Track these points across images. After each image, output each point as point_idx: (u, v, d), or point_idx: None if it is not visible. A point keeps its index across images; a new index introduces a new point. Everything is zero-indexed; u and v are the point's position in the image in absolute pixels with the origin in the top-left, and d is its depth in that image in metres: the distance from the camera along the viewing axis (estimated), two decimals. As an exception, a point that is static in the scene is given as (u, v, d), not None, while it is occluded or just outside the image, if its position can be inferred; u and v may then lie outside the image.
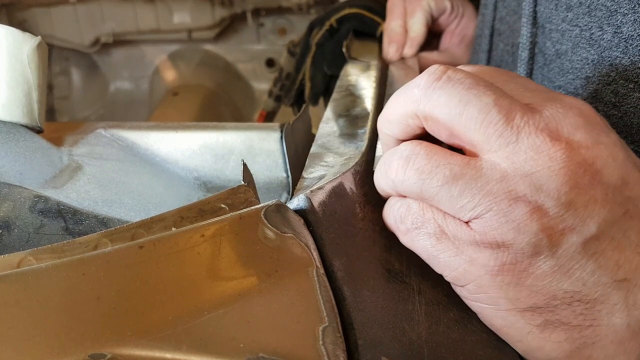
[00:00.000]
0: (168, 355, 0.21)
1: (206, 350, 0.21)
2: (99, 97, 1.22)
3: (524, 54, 0.43)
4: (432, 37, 0.65)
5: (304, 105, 0.46)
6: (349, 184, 0.31)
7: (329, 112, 0.42)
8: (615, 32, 0.34)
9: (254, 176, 0.31)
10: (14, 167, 0.34)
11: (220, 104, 1.20)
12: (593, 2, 0.36)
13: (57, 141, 0.38)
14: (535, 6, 0.42)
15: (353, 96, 0.45)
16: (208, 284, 0.23)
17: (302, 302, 0.23)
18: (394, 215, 0.28)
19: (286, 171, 0.40)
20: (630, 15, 0.33)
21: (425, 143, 0.27)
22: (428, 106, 0.26)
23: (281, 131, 0.40)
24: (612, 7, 0.34)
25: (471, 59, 0.61)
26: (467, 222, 0.25)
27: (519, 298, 0.25)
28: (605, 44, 0.35)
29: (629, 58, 0.34)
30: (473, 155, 0.26)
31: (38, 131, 0.37)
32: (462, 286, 0.27)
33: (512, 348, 0.28)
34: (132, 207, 0.35)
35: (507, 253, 0.25)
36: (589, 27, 0.36)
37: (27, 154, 0.35)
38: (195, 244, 0.24)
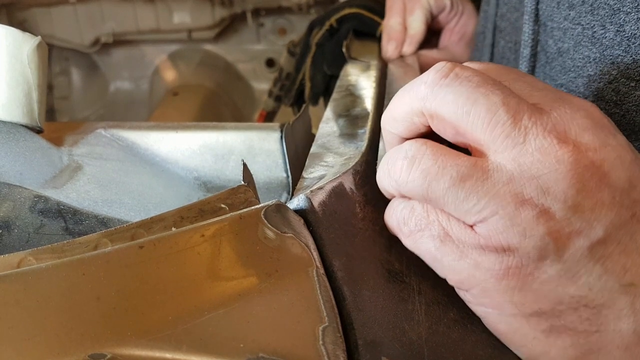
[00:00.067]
0: (168, 355, 0.21)
1: (206, 350, 0.21)
2: (99, 97, 1.22)
3: (525, 52, 0.43)
4: (431, 35, 0.64)
5: (304, 105, 0.46)
6: (349, 184, 0.30)
7: (329, 112, 0.42)
8: (617, 31, 0.34)
9: (254, 176, 0.31)
10: (14, 167, 0.34)
11: (220, 104, 1.20)
12: (596, 1, 0.35)
13: (57, 141, 0.38)
14: (537, 4, 0.42)
15: (353, 96, 0.45)
16: (208, 284, 0.23)
17: (302, 302, 0.23)
18: (396, 217, 0.28)
19: (286, 171, 0.40)
20: (633, 13, 0.33)
21: (431, 142, 0.26)
22: (434, 104, 0.26)
23: (281, 131, 0.40)
24: (615, 5, 0.34)
25: (473, 56, 0.61)
26: (471, 226, 0.25)
27: (524, 303, 0.25)
28: (607, 43, 0.35)
29: (631, 56, 0.34)
30: (479, 154, 0.25)
31: (38, 131, 0.37)
32: (466, 290, 0.26)
33: (512, 348, 0.28)
34: (132, 207, 0.35)
35: (512, 257, 0.24)
36: (591, 25, 0.36)
37: (27, 154, 0.35)
38: (195, 244, 0.24)
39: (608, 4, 0.35)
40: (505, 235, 0.24)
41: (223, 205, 0.27)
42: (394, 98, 0.28)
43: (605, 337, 0.25)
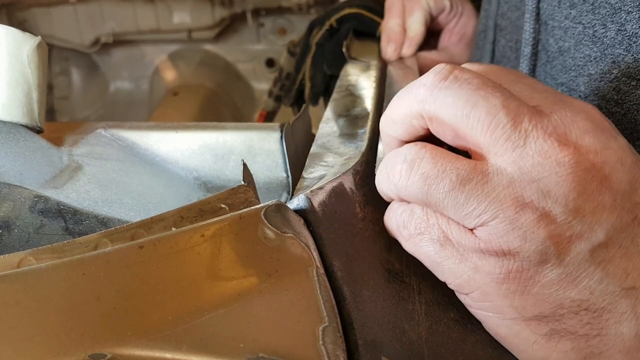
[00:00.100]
0: (168, 355, 0.21)
1: (206, 350, 0.21)
2: (99, 97, 1.22)
3: (526, 50, 0.43)
4: (431, 36, 0.64)
5: (304, 105, 0.46)
6: (349, 184, 0.30)
7: (329, 112, 0.42)
8: (618, 30, 0.34)
9: (254, 176, 0.31)
10: (14, 167, 0.34)
11: (220, 104, 1.20)
12: (597, 0, 0.35)
13: (57, 141, 0.38)
14: (539, 3, 0.42)
15: (353, 96, 0.45)
16: (208, 284, 0.23)
17: (302, 302, 0.23)
18: (396, 220, 0.28)
19: (286, 171, 0.40)
20: (634, 13, 0.33)
21: (430, 146, 0.26)
22: (434, 106, 0.26)
23: (281, 131, 0.40)
24: (617, 4, 0.34)
25: (474, 54, 0.61)
26: (471, 230, 0.25)
27: (525, 307, 0.25)
28: (608, 42, 0.35)
29: (632, 55, 0.34)
30: (479, 157, 0.25)
31: (38, 131, 0.37)
32: (466, 294, 0.26)
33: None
34: (132, 207, 0.35)
35: (513, 261, 0.24)
36: (592, 24, 0.36)
37: (27, 154, 0.35)
38: (195, 244, 0.24)
39: (609, 3, 0.35)
40: (505, 239, 0.24)
41: (223, 205, 0.27)
42: (392, 100, 0.28)
43: (606, 341, 0.24)
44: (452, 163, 0.25)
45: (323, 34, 0.67)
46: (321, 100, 0.69)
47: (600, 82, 0.36)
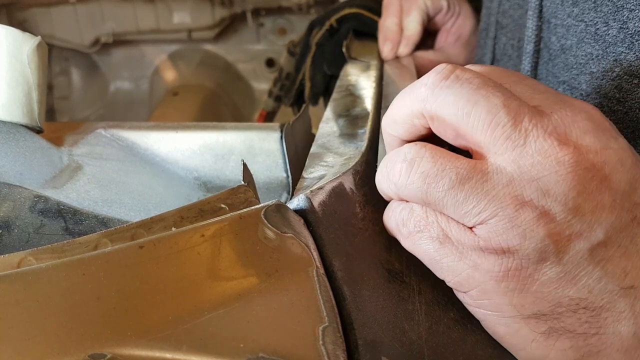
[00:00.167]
0: (168, 355, 0.21)
1: (206, 350, 0.21)
2: (99, 97, 1.22)
3: (529, 48, 0.43)
4: (427, 36, 0.64)
5: (304, 105, 0.46)
6: (349, 184, 0.30)
7: (329, 112, 0.42)
8: (620, 28, 0.34)
9: (254, 176, 0.31)
10: (14, 167, 0.34)
11: (220, 104, 1.20)
12: None
13: (57, 141, 0.38)
14: (542, 0, 0.42)
15: (353, 96, 0.45)
16: (208, 284, 0.23)
17: (302, 302, 0.23)
18: (395, 218, 0.28)
19: (286, 171, 0.40)
20: (637, 11, 0.33)
21: (429, 145, 0.26)
22: (435, 105, 0.26)
23: (281, 131, 0.40)
24: (619, 2, 0.34)
25: (476, 52, 0.61)
26: (471, 228, 0.25)
27: (524, 305, 0.25)
28: (610, 40, 0.35)
29: (634, 54, 0.34)
30: (479, 156, 0.25)
31: (38, 131, 0.37)
32: (465, 292, 0.26)
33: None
34: (132, 207, 0.35)
35: (512, 259, 0.24)
36: (595, 22, 0.36)
37: (27, 154, 0.35)
38: (195, 244, 0.24)
39: (611, 1, 0.34)
40: (505, 237, 0.24)
41: (223, 205, 0.27)
42: (394, 100, 0.28)
43: (604, 339, 0.24)
44: (452, 162, 0.25)
45: (323, 34, 0.67)
46: (321, 100, 0.69)
47: (602, 80, 0.36)
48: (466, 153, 0.26)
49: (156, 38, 1.16)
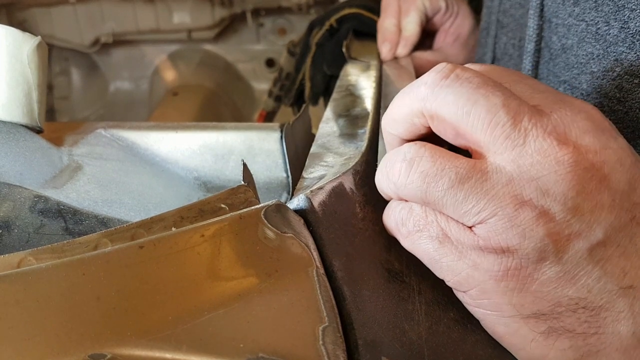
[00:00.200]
0: (168, 355, 0.21)
1: (206, 350, 0.21)
2: (99, 97, 1.23)
3: (530, 47, 0.43)
4: (426, 36, 0.64)
5: (304, 105, 0.46)
6: (349, 184, 0.30)
7: (329, 112, 0.42)
8: (621, 27, 0.34)
9: (254, 176, 0.31)
10: (14, 167, 0.34)
11: (220, 104, 1.20)
12: None
13: (57, 141, 0.38)
14: (543, 0, 0.42)
15: (353, 96, 0.45)
16: (208, 284, 0.23)
17: (302, 302, 0.23)
18: (395, 217, 0.28)
19: (286, 171, 0.40)
20: (638, 10, 0.33)
21: (429, 145, 0.26)
22: (435, 104, 0.26)
23: (281, 131, 0.40)
24: (620, 2, 0.34)
25: (477, 52, 0.61)
26: (470, 227, 0.25)
27: (523, 304, 0.25)
28: (611, 39, 0.35)
29: (635, 53, 0.34)
30: (479, 155, 0.25)
31: (38, 131, 0.37)
32: (464, 291, 0.26)
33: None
34: (132, 207, 0.35)
35: (511, 258, 0.24)
36: (596, 22, 0.36)
37: (27, 154, 0.35)
38: (195, 244, 0.24)
39: (613, 1, 0.34)
40: (504, 237, 0.24)
41: (223, 205, 0.27)
42: (394, 99, 0.28)
43: (603, 339, 0.25)
44: (451, 161, 0.25)
45: (323, 34, 0.67)
46: (321, 100, 0.69)
47: (602, 80, 0.36)
48: (466, 152, 0.26)
49: (156, 38, 1.16)
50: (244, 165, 0.30)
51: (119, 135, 0.41)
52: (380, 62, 0.58)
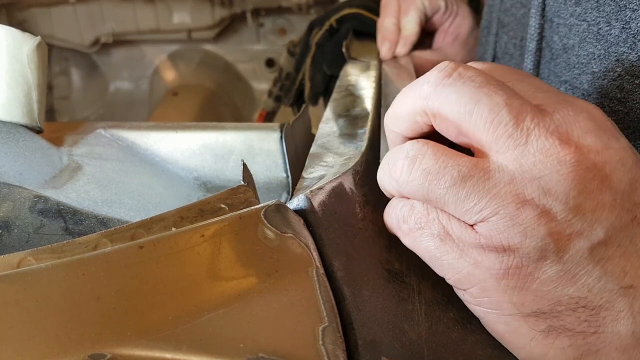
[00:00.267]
0: (168, 355, 0.21)
1: (206, 350, 0.21)
2: (99, 97, 1.23)
3: (531, 46, 0.44)
4: (425, 36, 0.65)
5: (303, 105, 0.46)
6: (349, 184, 0.30)
7: (328, 112, 0.42)
8: (623, 28, 0.34)
9: (254, 176, 0.31)
10: (14, 167, 0.34)
11: (220, 104, 1.20)
12: None
13: (57, 141, 0.38)
14: None
15: (353, 96, 0.45)
16: (208, 284, 0.23)
17: (302, 302, 0.23)
18: (396, 215, 0.28)
19: (286, 171, 0.40)
20: (639, 11, 0.33)
21: (432, 143, 0.26)
22: (437, 103, 0.26)
23: (281, 131, 0.40)
24: (622, 2, 0.34)
25: (478, 50, 0.61)
26: (472, 225, 0.25)
27: (524, 303, 0.25)
28: (612, 39, 0.35)
29: (636, 54, 0.34)
30: (480, 154, 0.25)
31: (38, 131, 0.37)
32: (464, 290, 0.26)
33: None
34: (132, 207, 0.35)
35: (512, 257, 0.24)
36: (597, 22, 0.36)
37: (27, 154, 0.35)
38: (195, 244, 0.24)
39: (614, 1, 0.34)
40: (505, 235, 0.24)
41: (223, 205, 0.27)
42: (397, 97, 0.28)
43: (603, 338, 0.25)
44: (454, 159, 0.25)
45: (323, 34, 0.67)
46: (321, 100, 0.69)
47: (603, 80, 0.36)
48: (468, 151, 0.26)
49: (156, 38, 1.16)
50: (244, 165, 0.30)
51: (118, 135, 0.41)
52: (380, 62, 0.58)
